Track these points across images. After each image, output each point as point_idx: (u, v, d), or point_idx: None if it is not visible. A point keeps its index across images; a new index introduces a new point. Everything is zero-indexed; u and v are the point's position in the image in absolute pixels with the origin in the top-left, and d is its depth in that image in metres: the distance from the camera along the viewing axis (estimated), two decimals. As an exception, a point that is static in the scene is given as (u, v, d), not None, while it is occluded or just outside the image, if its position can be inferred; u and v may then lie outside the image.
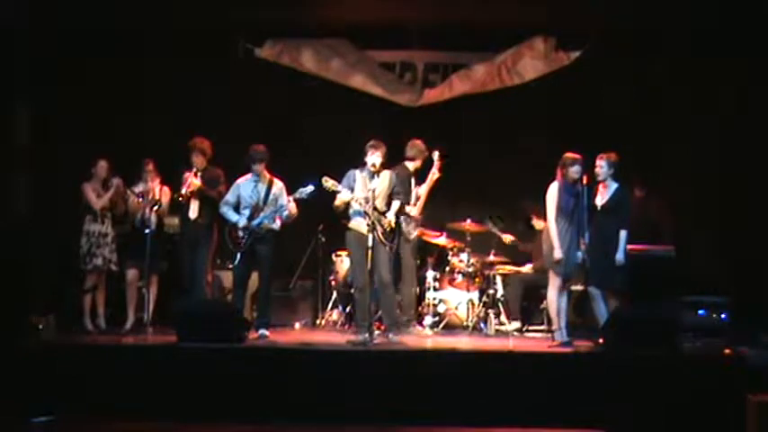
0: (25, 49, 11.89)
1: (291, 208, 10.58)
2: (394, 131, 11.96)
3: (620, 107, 12.56)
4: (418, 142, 11.26)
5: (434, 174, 11.31)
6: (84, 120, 12.39)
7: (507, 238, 12.25)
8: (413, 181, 11.22)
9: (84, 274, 11.03)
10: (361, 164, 10.36)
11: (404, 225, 10.97)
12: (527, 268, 12.17)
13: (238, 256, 10.51)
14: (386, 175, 10.40)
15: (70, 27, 12.28)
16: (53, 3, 11.79)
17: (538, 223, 11.57)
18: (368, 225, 9.98)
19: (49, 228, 11.75)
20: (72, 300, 11.16)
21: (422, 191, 11.29)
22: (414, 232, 11.20)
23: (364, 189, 10.20)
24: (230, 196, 10.68)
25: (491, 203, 11.84)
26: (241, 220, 10.50)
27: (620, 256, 9.78)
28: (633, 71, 12.68)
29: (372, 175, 10.24)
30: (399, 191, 10.53)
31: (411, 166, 11.23)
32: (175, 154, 10.96)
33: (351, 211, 10.31)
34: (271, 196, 10.62)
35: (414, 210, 11.14)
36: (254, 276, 10.81)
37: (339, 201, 10.20)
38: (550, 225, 9.99)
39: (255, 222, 10.47)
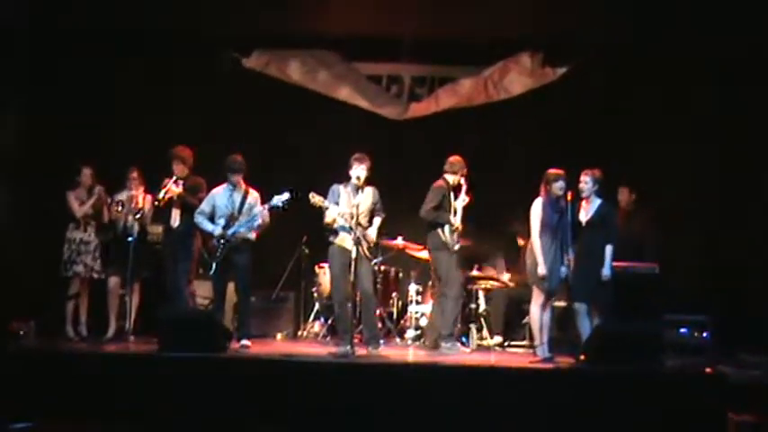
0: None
1: (264, 216, 10.60)
2: (381, 144, 12.05)
3: (605, 123, 12.62)
4: (458, 158, 11.14)
5: (464, 200, 11.17)
6: (69, 127, 12.42)
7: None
8: (452, 194, 11.10)
9: (67, 282, 11.05)
10: (345, 179, 10.42)
11: (447, 236, 10.91)
12: (506, 278, 12.24)
13: (214, 266, 10.53)
14: (369, 191, 10.46)
15: (52, 33, 12.35)
16: (43, 6, 11.89)
17: (520, 241, 11.65)
18: (353, 240, 10.04)
19: (33, 234, 11.76)
20: (55, 307, 11.15)
21: (458, 210, 11.15)
22: (456, 244, 11.05)
23: (348, 204, 10.26)
24: (205, 206, 10.69)
25: (476, 219, 11.85)
26: (216, 229, 10.53)
27: (606, 272, 9.85)
28: (619, 88, 12.74)
29: (357, 189, 10.30)
30: (381, 207, 10.57)
31: (451, 179, 11.11)
32: (160, 162, 10.95)
33: (335, 225, 10.37)
34: (246, 206, 10.65)
35: (457, 220, 11.01)
36: (232, 286, 10.85)
37: (329, 218, 10.27)
38: (534, 241, 10.05)
39: (230, 232, 10.49)
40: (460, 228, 11.06)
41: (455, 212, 11.04)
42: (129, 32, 12.57)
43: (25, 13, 11.93)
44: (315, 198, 10.13)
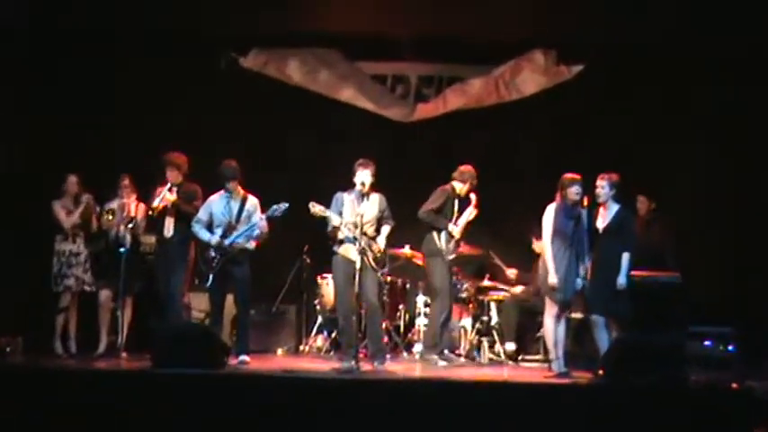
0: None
1: (263, 226, 10.52)
2: (386, 147, 12.01)
3: (624, 124, 12.59)
4: (469, 168, 11.20)
5: (472, 213, 11.24)
6: (57, 133, 12.41)
7: (511, 272, 12.29)
8: (456, 202, 11.16)
9: (57, 296, 10.99)
10: (348, 185, 10.33)
11: (443, 243, 10.99)
12: (518, 290, 12.13)
13: (211, 277, 10.48)
14: (375, 198, 10.37)
15: (43, 33, 12.36)
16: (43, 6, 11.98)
17: (538, 245, 11.55)
18: (358, 251, 9.96)
19: (19, 247, 11.72)
20: (43, 321, 11.10)
21: (461, 222, 11.19)
22: (452, 253, 11.13)
23: (353, 213, 10.16)
24: (202, 214, 10.62)
25: (487, 226, 11.84)
26: (213, 239, 10.46)
27: (621, 280, 9.74)
28: (638, 86, 12.71)
29: (362, 196, 10.23)
30: (390, 215, 10.48)
31: (458, 187, 11.17)
32: (153, 169, 10.92)
33: (339, 235, 10.27)
34: (244, 213, 10.58)
35: (456, 229, 11.08)
36: (230, 299, 10.80)
37: (336, 222, 10.16)
38: (546, 248, 9.98)
39: (228, 241, 10.42)
40: (459, 238, 11.13)
41: (455, 221, 11.07)
42: (128, 31, 12.58)
43: (25, 12, 11.96)
44: (315, 208, 10.04)
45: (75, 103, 12.57)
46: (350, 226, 10.08)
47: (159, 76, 12.74)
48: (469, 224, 11.19)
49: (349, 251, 10.16)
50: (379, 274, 10.46)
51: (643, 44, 12.42)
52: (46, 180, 11.54)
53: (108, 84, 12.72)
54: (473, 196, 11.19)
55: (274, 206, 10.34)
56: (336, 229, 10.19)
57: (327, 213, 10.08)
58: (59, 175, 11.20)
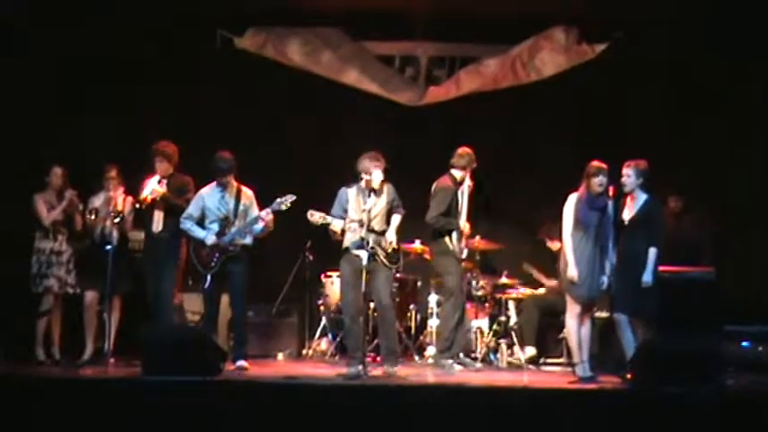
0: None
1: (269, 220, 10.43)
2: (393, 133, 11.93)
3: (652, 108, 12.52)
4: (467, 150, 11.12)
5: (469, 185, 11.18)
6: (39, 120, 12.31)
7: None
8: (459, 193, 11.10)
9: (39, 298, 10.91)
10: (350, 176, 10.22)
11: (455, 243, 10.95)
12: (552, 283, 12.01)
13: (208, 278, 10.37)
14: (383, 188, 10.23)
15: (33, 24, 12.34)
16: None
17: (554, 245, 11.49)
18: (367, 251, 9.84)
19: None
20: (23, 326, 11.02)
21: (463, 214, 11.16)
22: (464, 250, 11.12)
23: (358, 210, 10.04)
24: (193, 209, 10.51)
25: (503, 218, 11.75)
26: (209, 236, 10.36)
27: (647, 278, 9.59)
28: (668, 66, 12.62)
29: (369, 192, 10.05)
30: (400, 204, 10.34)
31: (458, 175, 11.10)
32: (142, 159, 10.83)
33: (345, 241, 10.15)
34: (241, 207, 10.49)
35: (466, 225, 11.07)
36: (226, 300, 10.75)
37: (337, 228, 10.06)
38: (565, 240, 9.86)
39: (227, 238, 10.33)
40: (468, 228, 11.13)
41: (462, 212, 11.05)
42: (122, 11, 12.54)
43: (25, 9, 11.96)
44: (314, 216, 9.94)
45: (61, 91, 12.55)
46: (355, 227, 9.95)
47: (153, 63, 12.76)
48: (471, 203, 11.16)
49: (358, 249, 10.03)
50: (392, 271, 10.37)
51: (673, 19, 12.30)
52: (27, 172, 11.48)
53: (95, 70, 12.68)
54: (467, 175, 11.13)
55: (279, 199, 10.24)
56: (340, 233, 10.07)
57: (329, 220, 9.99)
58: (42, 168, 11.11)
